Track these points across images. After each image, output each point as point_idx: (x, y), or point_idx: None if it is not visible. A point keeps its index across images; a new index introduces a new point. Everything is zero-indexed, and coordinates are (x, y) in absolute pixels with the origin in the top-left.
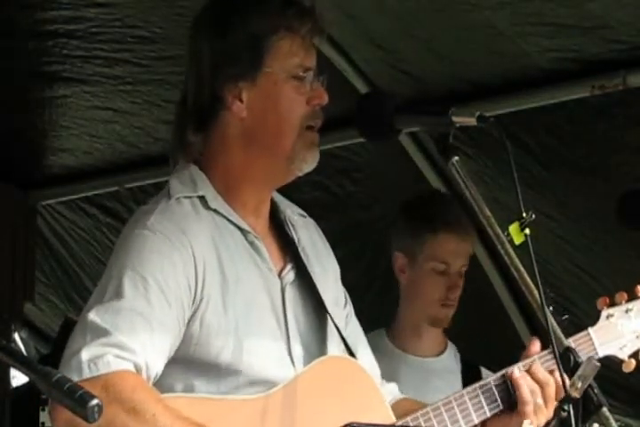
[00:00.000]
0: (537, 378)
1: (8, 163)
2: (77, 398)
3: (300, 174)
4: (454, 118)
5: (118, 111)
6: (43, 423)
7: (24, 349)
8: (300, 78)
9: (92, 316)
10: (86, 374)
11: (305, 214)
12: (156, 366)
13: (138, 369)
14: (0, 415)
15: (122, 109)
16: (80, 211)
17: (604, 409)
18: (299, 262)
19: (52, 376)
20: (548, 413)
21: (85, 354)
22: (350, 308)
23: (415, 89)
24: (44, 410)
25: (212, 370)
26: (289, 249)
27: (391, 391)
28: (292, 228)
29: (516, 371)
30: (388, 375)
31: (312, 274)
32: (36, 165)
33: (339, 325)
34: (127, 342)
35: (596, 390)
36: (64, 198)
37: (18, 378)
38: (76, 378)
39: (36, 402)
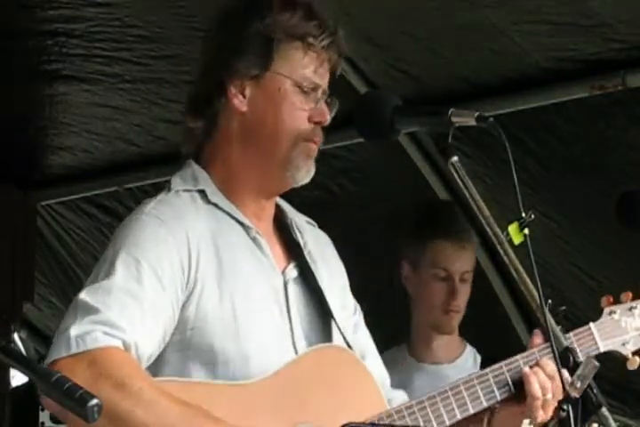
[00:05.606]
0: (547, 372)
1: (8, 163)
2: (77, 398)
3: (295, 185)
4: (453, 118)
5: (117, 109)
6: (42, 423)
7: (23, 349)
8: (306, 92)
9: (83, 295)
10: (74, 349)
11: (314, 223)
12: (147, 347)
13: (126, 347)
14: (0, 415)
15: (121, 107)
16: (80, 211)
17: (604, 409)
18: (303, 265)
19: (52, 376)
20: (554, 406)
21: (74, 331)
22: (360, 317)
23: (414, 89)
24: (43, 410)
25: (208, 356)
26: (293, 251)
27: (395, 398)
28: (298, 232)
29: (527, 368)
30: (403, 384)
31: (317, 276)
32: (35, 165)
33: (342, 327)
34: (116, 320)
35: (595, 390)
36: (64, 198)
37: (18, 378)
38: (63, 353)
39: (35, 402)
